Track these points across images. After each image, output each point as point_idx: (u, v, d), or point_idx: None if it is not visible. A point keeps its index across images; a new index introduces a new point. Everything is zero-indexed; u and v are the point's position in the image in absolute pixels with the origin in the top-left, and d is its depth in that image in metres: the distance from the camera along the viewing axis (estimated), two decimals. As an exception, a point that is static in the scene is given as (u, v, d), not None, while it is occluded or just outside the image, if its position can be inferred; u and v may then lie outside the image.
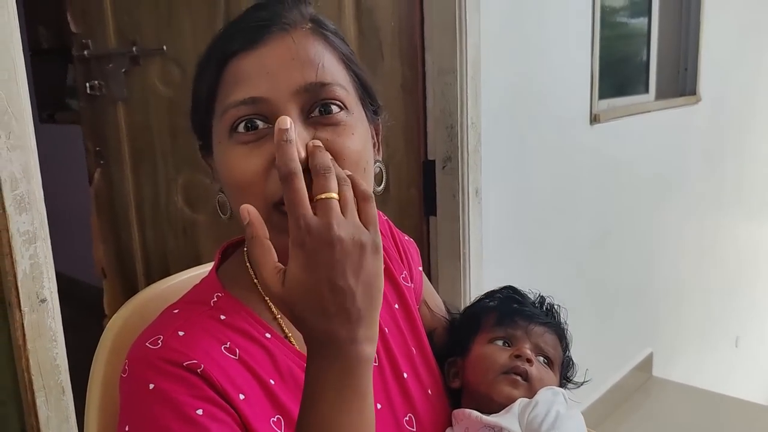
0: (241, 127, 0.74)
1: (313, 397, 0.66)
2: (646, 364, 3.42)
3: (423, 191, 2.18)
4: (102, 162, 2.42)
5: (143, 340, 0.77)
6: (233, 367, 0.77)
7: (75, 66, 2.39)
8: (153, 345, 0.76)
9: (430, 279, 2.28)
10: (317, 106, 0.75)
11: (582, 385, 1.09)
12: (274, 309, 0.85)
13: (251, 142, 0.74)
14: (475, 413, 0.94)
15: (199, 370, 0.74)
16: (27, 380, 1.19)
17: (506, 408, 0.92)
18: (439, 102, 2.09)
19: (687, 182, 3.60)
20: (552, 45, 2.46)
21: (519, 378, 0.95)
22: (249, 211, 0.66)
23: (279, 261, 0.66)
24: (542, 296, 1.11)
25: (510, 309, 1.04)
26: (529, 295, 1.09)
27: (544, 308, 1.09)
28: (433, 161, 2.15)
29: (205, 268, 0.93)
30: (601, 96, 2.83)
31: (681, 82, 3.48)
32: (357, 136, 0.77)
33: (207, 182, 0.87)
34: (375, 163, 0.84)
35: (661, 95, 3.39)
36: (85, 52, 2.33)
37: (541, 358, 1.00)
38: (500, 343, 1.00)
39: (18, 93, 1.11)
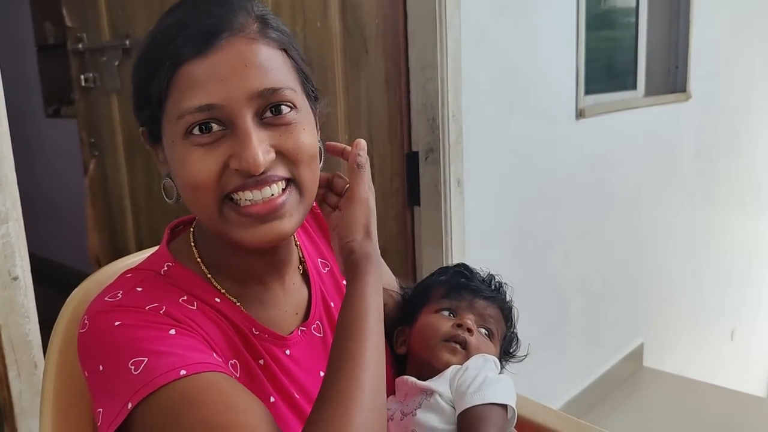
0: (196, 131, 0.78)
1: (366, 295, 0.84)
2: (637, 354, 3.45)
3: (407, 182, 2.22)
4: (96, 153, 2.49)
5: (101, 297, 0.82)
6: (193, 314, 0.83)
7: (70, 59, 2.46)
8: (112, 299, 0.81)
9: (414, 267, 2.35)
10: (269, 109, 0.80)
11: (524, 359, 1.14)
12: (217, 284, 0.89)
13: (206, 144, 0.79)
14: (412, 379, 0.99)
15: (161, 311, 0.79)
16: (-1, 355, 1.24)
17: (440, 373, 0.97)
18: (421, 96, 2.14)
19: (678, 177, 3.63)
20: (536, 40, 2.50)
21: (458, 346, 1.00)
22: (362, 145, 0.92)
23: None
24: (491, 274, 1.15)
25: (457, 283, 1.09)
26: (479, 273, 1.14)
27: (493, 285, 1.13)
28: (417, 153, 2.20)
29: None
30: (590, 92, 2.87)
31: (672, 80, 3.50)
32: (307, 130, 0.83)
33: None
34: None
35: (652, 93, 3.42)
36: (80, 46, 2.40)
37: (483, 330, 1.05)
38: (445, 313, 1.05)
39: (-11, 78, 1.18)
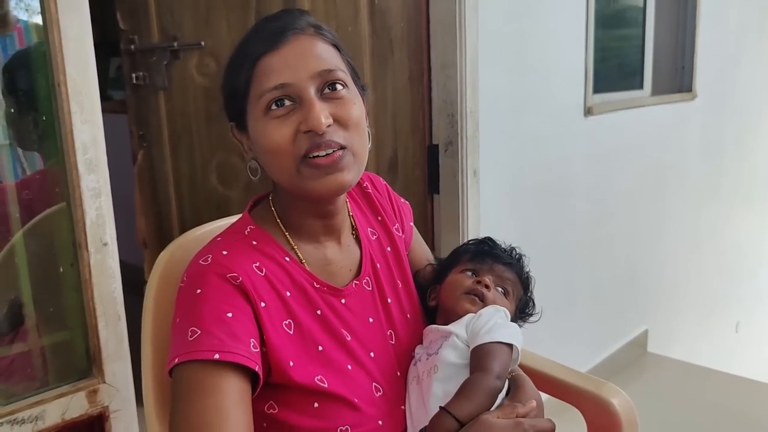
0: (273, 106, 1.02)
1: None
2: (641, 340, 3.63)
3: (428, 172, 2.43)
4: (145, 144, 2.71)
5: (197, 259, 1.05)
6: (260, 281, 1.04)
7: (122, 59, 2.68)
8: (204, 262, 1.03)
9: (433, 250, 2.57)
10: (327, 86, 1.04)
11: (538, 320, 1.35)
12: (291, 240, 1.12)
13: (282, 116, 1.02)
14: (435, 326, 1.21)
15: (237, 282, 1.01)
16: (91, 308, 1.46)
17: (458, 320, 1.19)
18: (441, 93, 2.35)
19: (684, 173, 3.80)
20: (548, 42, 2.71)
21: (477, 298, 1.21)
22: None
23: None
24: (512, 247, 1.37)
25: (482, 250, 1.31)
26: (502, 245, 1.36)
27: (513, 255, 1.35)
28: (437, 145, 2.41)
29: (231, 219, 1.20)
30: (598, 91, 3.07)
31: (678, 80, 3.69)
32: (357, 106, 1.07)
33: (237, 163, 1.15)
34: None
35: (659, 92, 3.61)
36: (132, 47, 2.62)
37: (500, 289, 1.26)
38: (469, 273, 1.26)
39: (88, 78, 1.40)
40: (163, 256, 1.26)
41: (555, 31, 2.74)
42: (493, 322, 1.15)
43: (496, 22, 2.43)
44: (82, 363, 1.51)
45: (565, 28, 2.79)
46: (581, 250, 3.09)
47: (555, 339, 2.99)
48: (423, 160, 2.43)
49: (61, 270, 1.47)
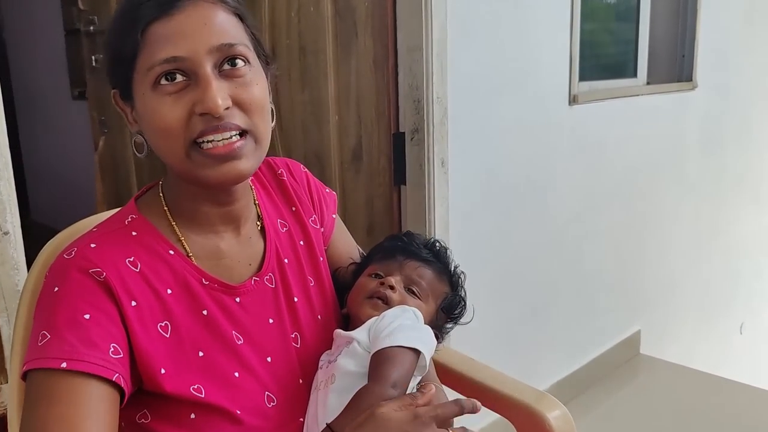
0: (163, 80, 0.91)
1: None
2: (633, 341, 3.50)
3: (393, 162, 2.31)
4: (105, 131, 2.63)
5: (62, 252, 0.94)
6: (132, 278, 0.93)
7: (82, 40, 2.59)
8: (68, 256, 0.92)
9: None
10: (226, 62, 0.93)
11: (468, 323, 1.22)
12: (178, 231, 1.01)
13: (173, 93, 0.91)
14: (339, 330, 1.10)
15: (101, 278, 0.90)
16: (-10, 303, 1.37)
17: (363, 324, 1.07)
18: (407, 77, 2.23)
19: (682, 167, 3.65)
20: (529, 25, 2.56)
21: (380, 301, 1.10)
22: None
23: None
24: (435, 240, 1.24)
25: (394, 247, 1.19)
26: (420, 239, 1.23)
27: (435, 250, 1.22)
28: (403, 133, 2.28)
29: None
30: (588, 78, 2.92)
31: (678, 69, 3.53)
32: (260, 85, 0.96)
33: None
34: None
35: (657, 81, 3.45)
36: (91, 28, 2.53)
37: (410, 289, 1.14)
38: (375, 275, 1.15)
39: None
40: (47, 248, 1.15)
41: (537, 13, 2.59)
42: (396, 323, 1.03)
43: (469, 2, 2.30)
44: (-18, 361, 1.41)
45: (548, 10, 2.64)
46: (564, 247, 2.95)
47: (536, 339, 2.86)
48: (388, 149, 2.31)
49: (-43, 261, 1.36)
